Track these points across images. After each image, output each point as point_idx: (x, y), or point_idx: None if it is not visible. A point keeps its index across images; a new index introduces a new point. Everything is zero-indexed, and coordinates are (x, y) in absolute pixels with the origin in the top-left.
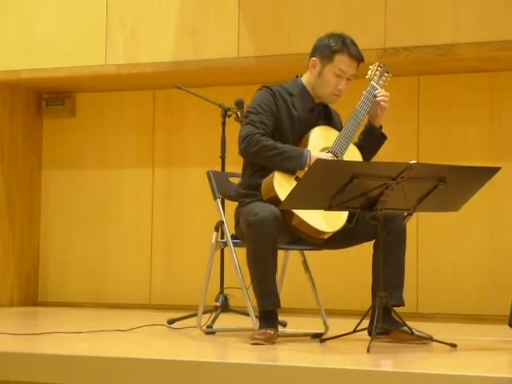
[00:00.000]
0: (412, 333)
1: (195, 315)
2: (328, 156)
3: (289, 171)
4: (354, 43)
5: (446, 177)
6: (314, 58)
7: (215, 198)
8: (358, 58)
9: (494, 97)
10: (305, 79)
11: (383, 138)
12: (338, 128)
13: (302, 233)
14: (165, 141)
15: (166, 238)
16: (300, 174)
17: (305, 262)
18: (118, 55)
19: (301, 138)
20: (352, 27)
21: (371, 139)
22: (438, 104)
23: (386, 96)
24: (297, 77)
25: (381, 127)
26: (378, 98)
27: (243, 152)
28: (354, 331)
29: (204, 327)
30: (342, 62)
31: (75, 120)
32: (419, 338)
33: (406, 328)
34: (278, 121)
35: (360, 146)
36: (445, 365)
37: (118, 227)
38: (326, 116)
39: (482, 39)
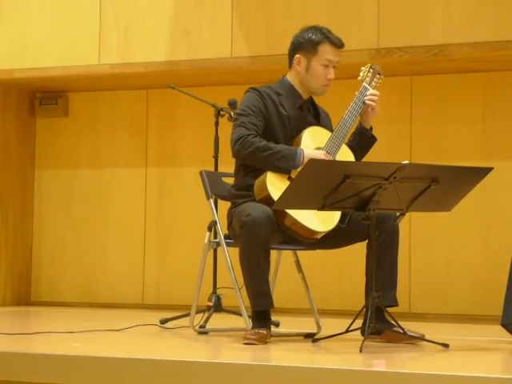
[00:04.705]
0: (404, 333)
1: (188, 315)
2: (321, 153)
3: (283, 171)
4: (330, 32)
5: (439, 177)
6: (297, 55)
7: (208, 198)
8: (340, 45)
9: (487, 97)
10: (290, 78)
11: (373, 139)
12: (327, 126)
13: (295, 233)
14: (158, 140)
15: (159, 238)
16: (293, 173)
17: (297, 262)
18: (112, 55)
19: (292, 136)
20: (345, 27)
21: (361, 140)
22: (430, 104)
23: (374, 95)
24: (283, 77)
25: (371, 128)
26: (365, 99)
27: (236, 154)
28: (347, 331)
29: (197, 327)
30: (325, 51)
31: (68, 119)
32: (411, 337)
33: (398, 328)
34: (267, 121)
35: (350, 147)
36: (437, 365)
37: (111, 227)
38: (314, 113)
39: (475, 39)
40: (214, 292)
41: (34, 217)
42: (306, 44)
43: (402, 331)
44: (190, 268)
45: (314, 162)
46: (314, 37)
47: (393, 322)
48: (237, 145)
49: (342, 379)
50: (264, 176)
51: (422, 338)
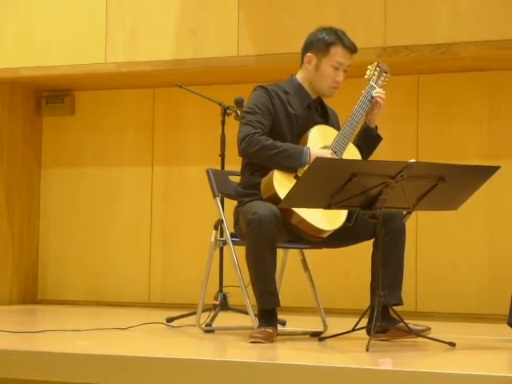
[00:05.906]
0: (409, 329)
1: (194, 313)
2: (327, 152)
3: (290, 170)
4: (345, 35)
5: (446, 175)
6: (309, 54)
7: (214, 197)
8: (352, 49)
9: (493, 96)
10: (300, 76)
11: (378, 138)
12: (335, 125)
13: (302, 231)
14: (164, 139)
15: (165, 236)
16: (299, 172)
17: (304, 261)
18: (118, 53)
19: (299, 135)
20: (351, 26)
21: (367, 139)
22: (437, 103)
23: (382, 93)
24: (292, 75)
25: (376, 128)
26: (374, 94)
27: (243, 152)
28: (353, 330)
29: (203, 326)
30: (337, 53)
31: (75, 118)
32: (416, 332)
33: (402, 324)
34: (275, 120)
35: (355, 146)
36: (444, 363)
37: (117, 225)
38: (322, 113)
39: (481, 38)
40: (221, 290)
41: (41, 215)
42: (318, 43)
43: (407, 328)
44: (196, 266)
45: (320, 160)
46: (327, 37)
47: (397, 319)
48: (243, 143)
49: (349, 378)
50: (271, 174)
51: (425, 336)
